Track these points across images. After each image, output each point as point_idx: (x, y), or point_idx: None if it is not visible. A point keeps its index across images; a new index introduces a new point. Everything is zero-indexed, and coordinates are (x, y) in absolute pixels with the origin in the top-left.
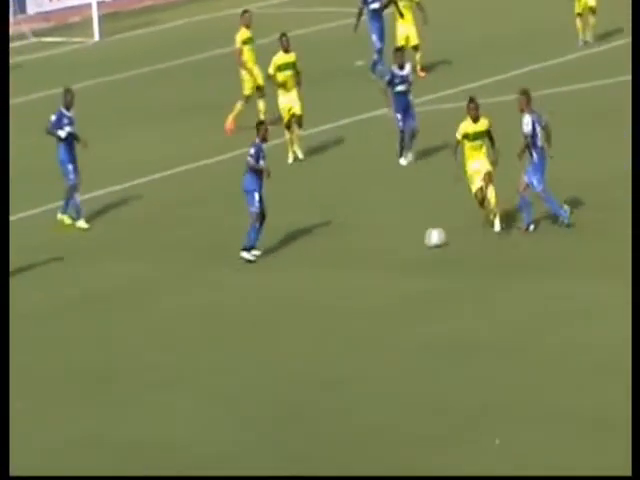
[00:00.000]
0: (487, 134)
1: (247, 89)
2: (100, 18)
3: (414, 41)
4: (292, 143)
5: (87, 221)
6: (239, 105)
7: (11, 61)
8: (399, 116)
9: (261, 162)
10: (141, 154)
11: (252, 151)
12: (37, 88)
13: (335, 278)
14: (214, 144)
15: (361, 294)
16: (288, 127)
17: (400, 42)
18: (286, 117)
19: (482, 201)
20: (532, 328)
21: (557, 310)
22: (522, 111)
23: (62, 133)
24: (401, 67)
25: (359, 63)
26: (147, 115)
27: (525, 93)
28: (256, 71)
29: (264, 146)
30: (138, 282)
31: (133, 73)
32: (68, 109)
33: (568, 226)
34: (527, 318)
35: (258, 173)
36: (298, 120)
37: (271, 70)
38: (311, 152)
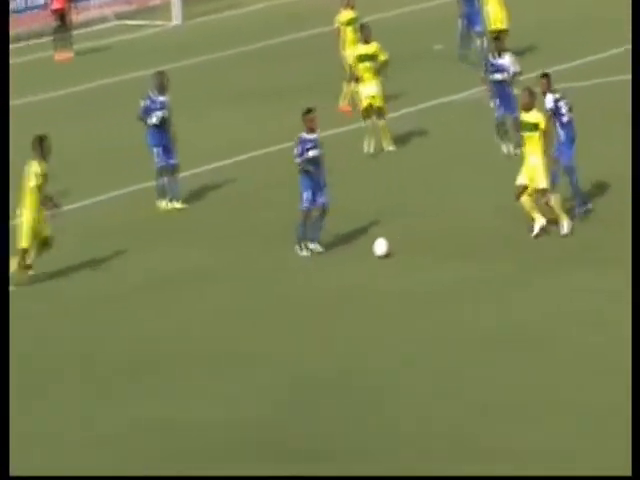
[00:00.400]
0: (536, 127)
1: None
2: (181, 1)
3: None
4: (372, 134)
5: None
6: (345, 86)
7: (93, 44)
8: (492, 104)
9: (310, 153)
10: (222, 137)
11: (295, 151)
12: (120, 71)
13: (405, 264)
14: (293, 128)
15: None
16: (367, 117)
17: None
18: (365, 108)
19: (518, 196)
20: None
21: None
22: (544, 93)
23: (153, 119)
24: (498, 55)
25: (438, 47)
26: (228, 98)
27: (546, 76)
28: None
29: (312, 136)
30: (221, 262)
31: (214, 56)
32: (159, 93)
33: (587, 211)
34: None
35: (307, 171)
36: (379, 111)
37: (351, 61)
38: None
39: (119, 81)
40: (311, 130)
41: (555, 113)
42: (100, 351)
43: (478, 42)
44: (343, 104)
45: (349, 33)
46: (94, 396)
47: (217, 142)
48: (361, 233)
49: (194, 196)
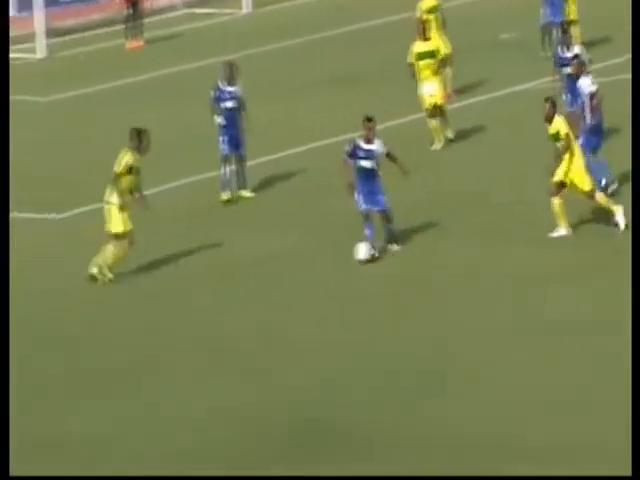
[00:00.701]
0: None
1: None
2: None
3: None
4: (438, 131)
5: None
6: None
7: (163, 32)
8: (564, 98)
9: (361, 163)
10: (293, 125)
11: (346, 147)
12: (190, 59)
13: (486, 252)
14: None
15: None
16: (432, 117)
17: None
18: (427, 107)
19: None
20: None
21: None
22: (578, 76)
23: (222, 109)
24: (567, 48)
25: (504, 36)
26: (299, 86)
27: (576, 57)
28: (443, 38)
29: (367, 147)
30: (291, 251)
31: (284, 44)
32: (228, 84)
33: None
34: None
35: (360, 171)
36: (440, 110)
37: (410, 59)
38: (457, 128)
39: (189, 69)
40: (367, 140)
41: (591, 97)
42: (178, 340)
43: (554, 33)
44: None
45: (432, 20)
46: (184, 384)
47: (288, 130)
48: (445, 220)
49: (264, 184)
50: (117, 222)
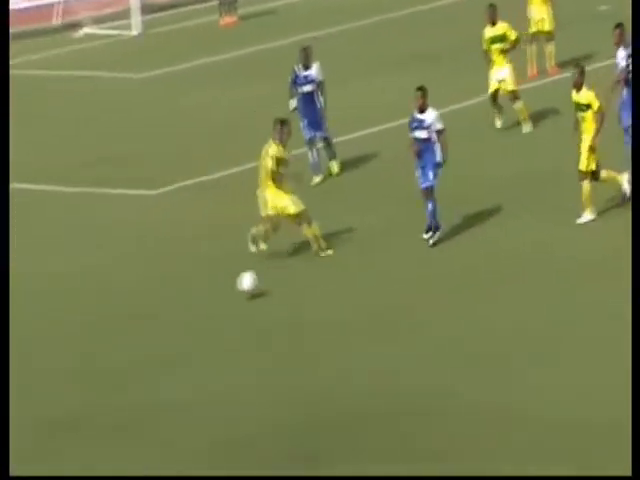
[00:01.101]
0: (588, 107)
1: (548, 25)
2: None
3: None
4: (500, 115)
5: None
6: (550, 47)
7: (256, 9)
8: None
9: (415, 133)
10: (372, 104)
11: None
12: (283, 35)
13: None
14: (446, 93)
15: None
16: (493, 103)
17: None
18: (492, 93)
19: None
20: None
21: None
22: (617, 44)
23: (297, 93)
24: None
25: (603, 8)
26: (377, 65)
27: (620, 26)
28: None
29: (420, 116)
30: (366, 232)
31: (364, 22)
32: (305, 67)
33: None
34: None
35: (416, 142)
36: (513, 95)
37: (484, 45)
38: (552, 101)
39: (282, 45)
40: (419, 110)
41: (626, 71)
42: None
43: None
44: (551, 66)
45: None
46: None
47: (366, 109)
48: (535, 197)
49: (345, 164)
50: (288, 203)
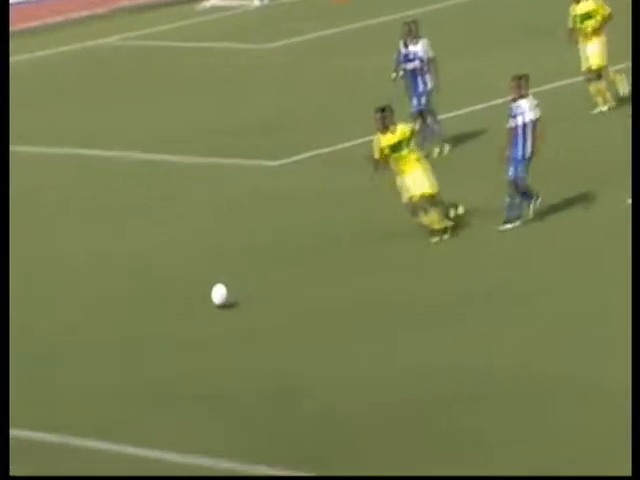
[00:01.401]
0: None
1: None
2: None
3: None
4: (599, 94)
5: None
6: None
7: None
8: None
9: (511, 121)
10: (485, 78)
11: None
12: (394, 10)
13: None
14: (548, 70)
15: None
16: (589, 81)
17: None
18: (586, 70)
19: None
20: None
21: None
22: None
23: (401, 71)
24: None
25: None
26: (495, 37)
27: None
28: None
29: (514, 104)
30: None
31: None
32: (409, 43)
33: None
34: None
35: (508, 131)
36: (598, 73)
37: (571, 23)
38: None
39: (392, 20)
40: (519, 96)
41: None
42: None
43: None
44: None
45: None
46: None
47: (474, 86)
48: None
49: (457, 139)
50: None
